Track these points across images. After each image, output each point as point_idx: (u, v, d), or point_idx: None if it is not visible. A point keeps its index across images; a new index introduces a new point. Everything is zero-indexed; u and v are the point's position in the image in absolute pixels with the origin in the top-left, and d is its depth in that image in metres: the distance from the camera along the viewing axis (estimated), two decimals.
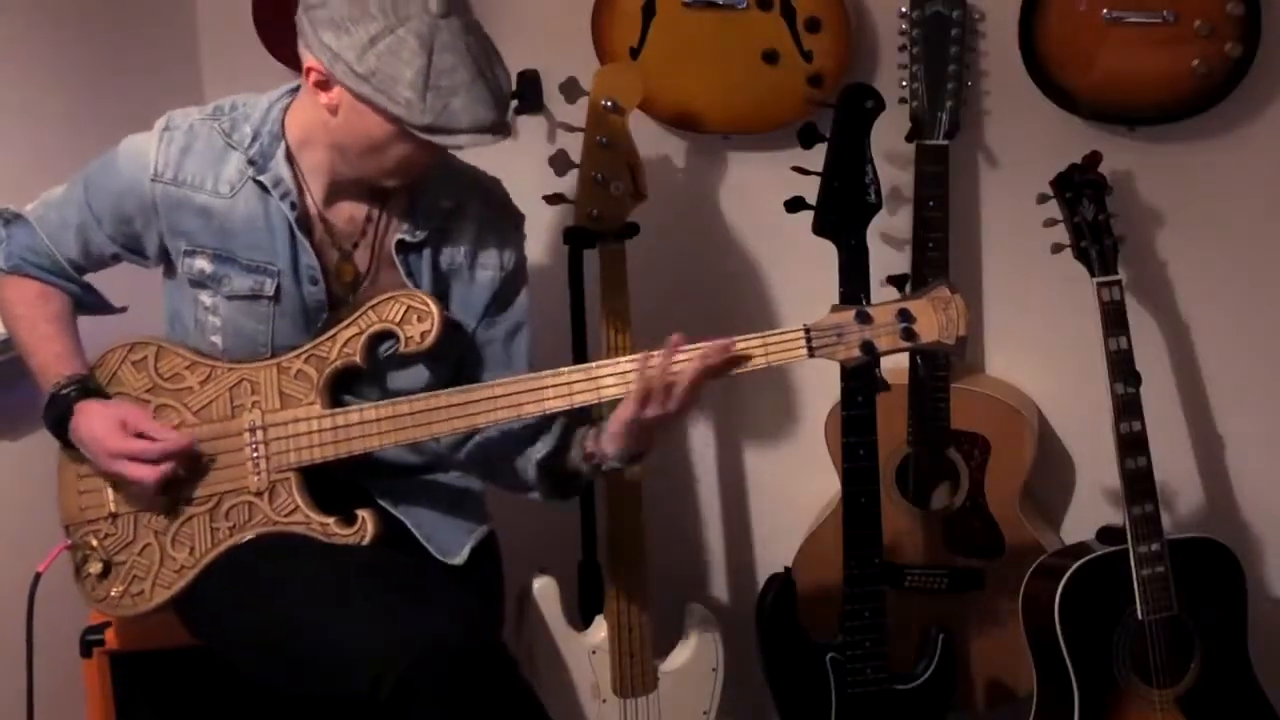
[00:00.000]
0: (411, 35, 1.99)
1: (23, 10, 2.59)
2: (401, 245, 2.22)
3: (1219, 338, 2.81)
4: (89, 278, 2.33)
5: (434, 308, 2.16)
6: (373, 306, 2.17)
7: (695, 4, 2.71)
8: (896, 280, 2.39)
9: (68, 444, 2.24)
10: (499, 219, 2.31)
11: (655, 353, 2.10)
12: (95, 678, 2.34)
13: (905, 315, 2.11)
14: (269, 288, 2.20)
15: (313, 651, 2.06)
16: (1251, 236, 2.77)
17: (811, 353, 2.11)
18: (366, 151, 2.10)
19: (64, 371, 2.23)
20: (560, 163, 2.62)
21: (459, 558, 2.30)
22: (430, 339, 2.16)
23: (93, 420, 2.18)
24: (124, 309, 2.39)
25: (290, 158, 2.18)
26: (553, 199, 2.68)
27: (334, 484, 2.22)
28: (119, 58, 2.80)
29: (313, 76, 2.08)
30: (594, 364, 2.15)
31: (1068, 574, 2.54)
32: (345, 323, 2.19)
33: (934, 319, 2.11)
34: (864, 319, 2.12)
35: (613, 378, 2.13)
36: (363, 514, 2.16)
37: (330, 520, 2.16)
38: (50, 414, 2.22)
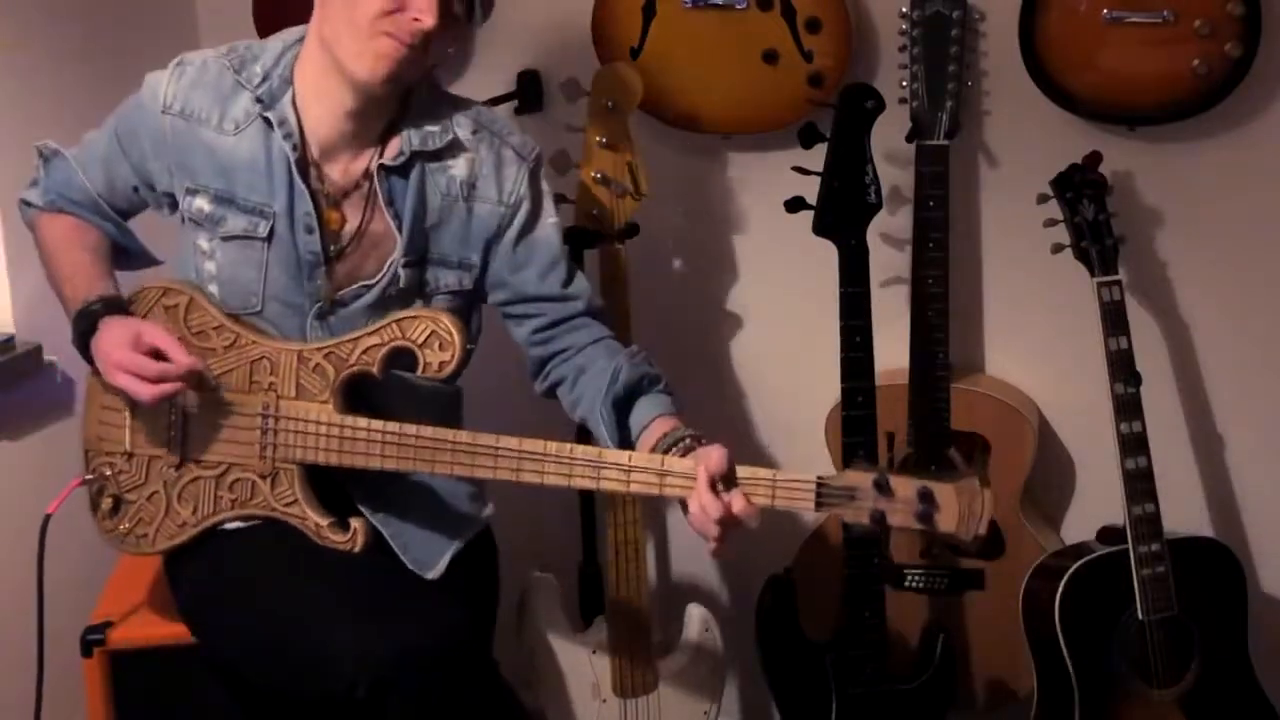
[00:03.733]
0: None
1: (22, 10, 2.59)
2: (383, 170, 2.20)
3: (1219, 338, 2.81)
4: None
5: (457, 339, 2.12)
6: (399, 320, 2.15)
7: (695, 4, 2.71)
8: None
9: (93, 364, 2.21)
10: (499, 150, 2.27)
11: (712, 501, 1.98)
12: (95, 678, 2.33)
13: (927, 497, 1.95)
14: (263, 229, 2.19)
15: (295, 651, 2.09)
16: (1251, 236, 2.76)
17: (818, 506, 1.99)
18: (347, 2, 2.08)
19: (95, 291, 2.21)
20: (560, 163, 2.62)
21: (435, 571, 2.25)
22: (449, 369, 2.12)
23: (110, 331, 2.15)
24: (163, 262, 2.38)
25: (295, 105, 2.19)
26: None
27: (332, 484, 2.22)
28: (119, 57, 2.80)
29: None
30: (604, 451, 2.08)
31: (1068, 574, 2.54)
32: (370, 329, 2.17)
33: (956, 509, 1.95)
34: (883, 489, 1.95)
35: (616, 470, 2.05)
36: (356, 524, 2.16)
37: (325, 523, 2.16)
38: (76, 329, 2.18)
